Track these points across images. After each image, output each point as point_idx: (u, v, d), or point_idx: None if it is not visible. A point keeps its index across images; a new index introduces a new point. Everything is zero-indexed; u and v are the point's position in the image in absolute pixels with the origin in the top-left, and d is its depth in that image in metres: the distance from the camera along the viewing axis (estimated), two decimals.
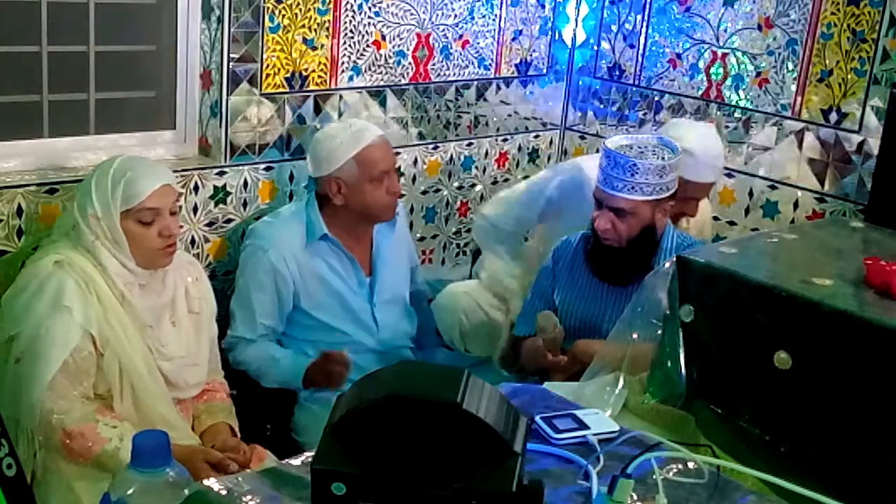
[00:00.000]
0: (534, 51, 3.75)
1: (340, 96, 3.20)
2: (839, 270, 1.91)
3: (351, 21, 3.16)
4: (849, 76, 3.10)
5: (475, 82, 3.60)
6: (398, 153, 3.43)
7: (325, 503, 1.24)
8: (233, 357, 2.83)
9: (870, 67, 3.04)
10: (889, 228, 2.30)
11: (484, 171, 3.73)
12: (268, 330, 2.84)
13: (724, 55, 3.41)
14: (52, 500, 2.29)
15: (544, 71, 3.82)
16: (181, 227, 2.71)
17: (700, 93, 3.49)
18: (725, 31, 3.40)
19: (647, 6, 3.61)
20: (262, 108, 3.03)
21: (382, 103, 3.34)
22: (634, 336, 2.05)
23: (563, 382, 2.22)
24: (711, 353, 1.93)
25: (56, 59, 2.77)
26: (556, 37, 3.80)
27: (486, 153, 3.73)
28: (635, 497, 1.43)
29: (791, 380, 1.78)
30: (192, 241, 2.97)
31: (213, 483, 1.43)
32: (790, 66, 3.24)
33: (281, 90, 3.06)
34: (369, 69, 3.26)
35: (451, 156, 3.62)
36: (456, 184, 3.66)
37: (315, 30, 3.07)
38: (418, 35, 3.36)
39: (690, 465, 1.55)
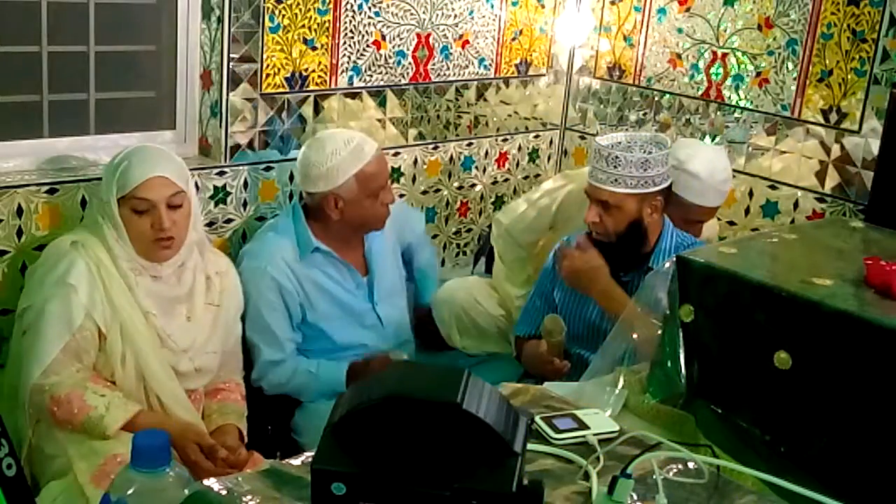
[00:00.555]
0: (534, 51, 3.75)
1: (340, 96, 3.21)
2: (839, 270, 1.91)
3: (351, 21, 3.16)
4: (849, 76, 3.10)
5: (475, 82, 3.60)
6: (398, 153, 3.43)
7: (325, 503, 1.24)
8: (268, 383, 2.82)
9: (870, 67, 3.04)
10: (889, 228, 2.30)
11: (484, 171, 3.73)
12: (292, 345, 2.84)
13: (724, 55, 3.41)
14: (47, 465, 2.32)
15: (544, 71, 3.82)
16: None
17: (700, 93, 3.50)
18: (725, 31, 3.40)
19: (647, 6, 3.61)
20: (261, 108, 3.03)
21: (382, 103, 3.34)
22: (634, 336, 2.05)
23: (563, 382, 2.22)
24: (711, 353, 1.93)
25: (56, 59, 2.77)
26: (556, 37, 3.80)
27: (486, 153, 3.73)
28: (635, 497, 1.43)
29: (791, 380, 1.78)
30: None
31: (213, 483, 1.43)
32: (790, 66, 3.24)
33: (281, 90, 3.06)
34: (369, 69, 3.26)
35: (451, 156, 3.62)
36: (456, 184, 3.66)
37: (315, 30, 3.07)
38: (418, 35, 3.36)
39: (690, 465, 1.54)
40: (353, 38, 3.18)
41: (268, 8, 2.94)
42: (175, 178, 2.39)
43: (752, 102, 3.36)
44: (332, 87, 3.18)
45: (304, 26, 3.04)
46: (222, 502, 1.35)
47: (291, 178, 3.14)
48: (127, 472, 1.15)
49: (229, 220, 3.04)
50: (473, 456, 1.23)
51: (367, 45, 3.23)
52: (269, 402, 2.87)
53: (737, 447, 1.78)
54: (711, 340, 1.92)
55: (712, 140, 3.45)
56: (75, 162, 2.80)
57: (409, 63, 3.37)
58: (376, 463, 1.23)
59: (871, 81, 3.05)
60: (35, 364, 2.28)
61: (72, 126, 2.85)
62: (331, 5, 3.09)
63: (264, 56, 2.98)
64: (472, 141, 3.67)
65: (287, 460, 1.53)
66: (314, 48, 3.09)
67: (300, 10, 3.02)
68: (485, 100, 3.66)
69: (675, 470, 1.53)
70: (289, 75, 3.06)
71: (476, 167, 3.71)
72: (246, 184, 3.06)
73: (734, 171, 3.39)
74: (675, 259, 1.98)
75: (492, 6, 3.55)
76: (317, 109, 3.16)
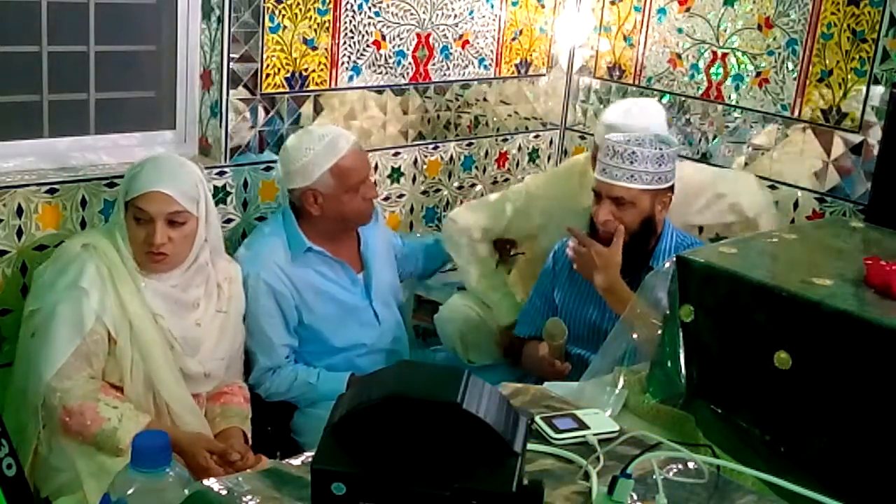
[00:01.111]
0: (534, 51, 3.75)
1: (340, 96, 3.21)
2: (839, 270, 1.91)
3: (351, 21, 3.16)
4: (849, 76, 3.10)
5: (475, 82, 3.60)
6: (398, 153, 3.43)
7: (325, 503, 1.24)
8: (265, 391, 2.82)
9: (870, 67, 3.04)
10: (889, 228, 2.30)
11: (484, 171, 3.73)
12: (288, 351, 2.83)
13: (724, 55, 3.41)
14: (53, 477, 2.31)
15: (544, 71, 3.82)
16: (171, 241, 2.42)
17: (700, 93, 3.49)
18: (725, 31, 3.40)
19: (647, 6, 3.61)
20: (262, 108, 3.03)
21: (382, 103, 3.34)
22: (634, 336, 2.05)
23: (563, 382, 2.22)
24: (711, 353, 1.93)
25: (56, 59, 2.77)
26: (556, 37, 3.80)
27: (486, 153, 3.73)
28: (635, 497, 1.43)
29: (791, 380, 1.78)
30: None
31: (213, 483, 1.43)
32: (790, 66, 3.24)
33: (281, 90, 3.06)
34: (369, 69, 3.26)
35: (451, 156, 3.62)
36: (456, 184, 3.66)
37: (315, 30, 3.07)
38: (418, 35, 3.36)
39: (690, 465, 1.54)
40: (353, 38, 3.18)
41: (268, 8, 2.94)
42: (178, 196, 2.35)
43: (752, 102, 3.36)
44: (332, 87, 3.18)
45: (304, 26, 3.04)
46: (222, 502, 1.35)
47: None
48: (127, 472, 1.15)
49: (229, 220, 3.04)
50: (473, 456, 1.23)
51: (367, 45, 3.23)
52: (268, 403, 2.87)
53: (737, 447, 1.78)
54: (711, 340, 1.92)
55: (713, 139, 3.45)
56: (75, 162, 2.80)
57: (409, 63, 3.37)
58: (376, 463, 1.23)
59: (871, 81, 3.05)
60: (46, 367, 2.26)
61: (72, 126, 2.85)
62: (331, 5, 3.09)
63: (264, 56, 2.98)
64: (472, 141, 3.67)
65: (287, 460, 1.53)
66: (314, 48, 3.09)
67: (300, 10, 3.02)
68: (485, 100, 3.66)
69: (675, 470, 1.53)
70: (289, 75, 3.06)
71: (476, 167, 3.71)
72: (246, 184, 3.06)
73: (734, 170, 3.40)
74: (675, 259, 1.98)
75: (492, 6, 3.55)
76: (317, 109, 3.16)
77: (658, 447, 1.53)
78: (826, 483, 1.53)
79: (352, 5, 3.14)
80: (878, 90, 3.03)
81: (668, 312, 1.97)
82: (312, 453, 1.31)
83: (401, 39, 3.32)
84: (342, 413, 1.27)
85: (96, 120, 2.89)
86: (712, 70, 3.45)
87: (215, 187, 2.98)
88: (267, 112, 3.05)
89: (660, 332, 1.99)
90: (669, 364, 1.97)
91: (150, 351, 2.35)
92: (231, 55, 2.91)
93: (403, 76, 3.37)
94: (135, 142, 2.94)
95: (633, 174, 2.53)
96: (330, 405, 1.33)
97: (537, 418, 1.62)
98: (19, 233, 2.62)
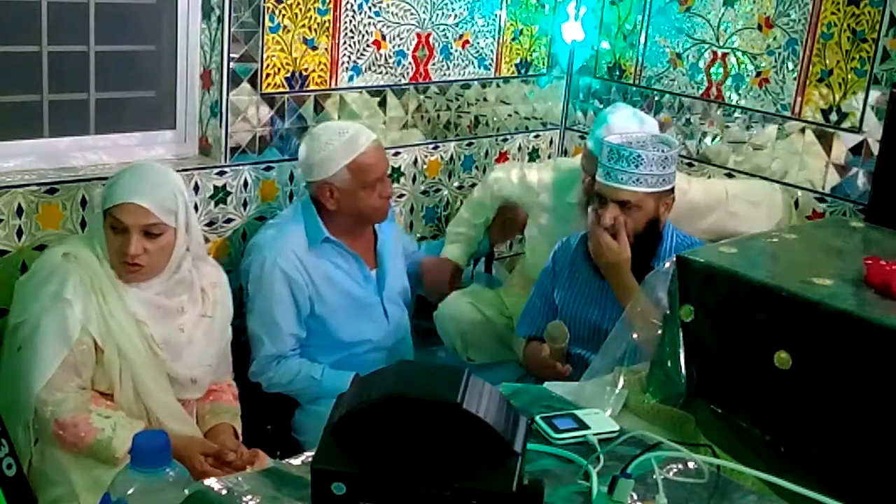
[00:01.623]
0: (534, 51, 3.75)
1: (340, 96, 3.21)
2: (839, 270, 1.91)
3: (351, 21, 3.16)
4: (849, 76, 3.10)
5: (475, 82, 3.60)
6: (398, 153, 3.43)
7: (325, 503, 1.24)
8: (267, 380, 2.81)
9: (870, 67, 3.04)
10: (889, 228, 2.30)
11: (484, 171, 3.73)
12: (295, 341, 2.83)
13: (724, 55, 3.41)
14: (48, 489, 2.30)
15: (544, 71, 3.82)
16: (144, 253, 2.35)
17: (700, 93, 3.49)
18: (725, 30, 3.40)
19: (647, 6, 3.61)
20: (262, 108, 3.03)
21: (382, 103, 3.34)
22: (634, 336, 2.05)
23: (563, 382, 2.22)
24: (711, 353, 1.93)
25: (56, 59, 2.77)
26: (556, 37, 3.80)
27: (486, 153, 3.73)
28: (635, 497, 1.43)
29: (791, 380, 1.78)
30: None
31: (213, 483, 1.43)
32: (790, 65, 3.24)
33: (281, 90, 3.06)
34: (369, 69, 3.26)
35: (451, 156, 3.62)
36: (456, 184, 3.66)
37: (315, 30, 3.07)
38: (418, 35, 3.36)
39: (690, 465, 1.54)
40: (353, 37, 3.18)
41: (268, 8, 2.94)
42: (155, 209, 2.31)
43: (752, 102, 3.36)
44: (332, 86, 3.18)
45: (304, 26, 3.04)
46: (222, 502, 1.35)
47: (291, 178, 3.14)
48: (127, 472, 1.15)
49: (229, 220, 3.04)
50: (473, 456, 1.23)
51: (367, 45, 3.23)
52: (268, 401, 2.87)
53: (737, 447, 1.78)
54: (711, 340, 1.92)
55: (712, 140, 3.45)
56: (75, 162, 2.80)
57: (409, 63, 3.37)
58: (376, 463, 1.23)
59: (871, 81, 3.05)
60: (35, 379, 2.24)
61: (72, 126, 2.85)
62: (331, 5, 3.09)
63: (264, 56, 2.98)
64: (472, 141, 3.67)
65: (287, 460, 1.53)
66: (314, 48, 3.09)
67: (300, 9, 3.02)
68: (485, 100, 3.66)
69: (675, 470, 1.53)
70: (289, 75, 3.06)
71: (476, 167, 3.71)
72: (246, 184, 3.06)
73: (734, 170, 3.40)
74: (675, 259, 1.98)
75: (492, 6, 3.55)
76: (317, 109, 3.16)
77: (658, 447, 1.53)
78: (826, 483, 1.53)
79: (352, 5, 3.14)
80: (878, 90, 3.03)
81: (668, 312, 1.98)
82: (312, 453, 1.31)
83: (401, 39, 3.32)
84: (342, 413, 1.27)
85: (96, 120, 2.89)
86: (712, 70, 3.45)
87: (215, 187, 2.98)
88: (267, 112, 3.05)
89: (660, 331, 1.99)
90: (669, 364, 1.97)
91: (134, 358, 2.33)
92: (231, 55, 2.91)
93: (403, 76, 3.37)
94: (135, 142, 2.94)
95: (638, 177, 2.53)
96: (330, 403, 1.33)
97: (537, 418, 1.62)
98: (19, 233, 2.62)
